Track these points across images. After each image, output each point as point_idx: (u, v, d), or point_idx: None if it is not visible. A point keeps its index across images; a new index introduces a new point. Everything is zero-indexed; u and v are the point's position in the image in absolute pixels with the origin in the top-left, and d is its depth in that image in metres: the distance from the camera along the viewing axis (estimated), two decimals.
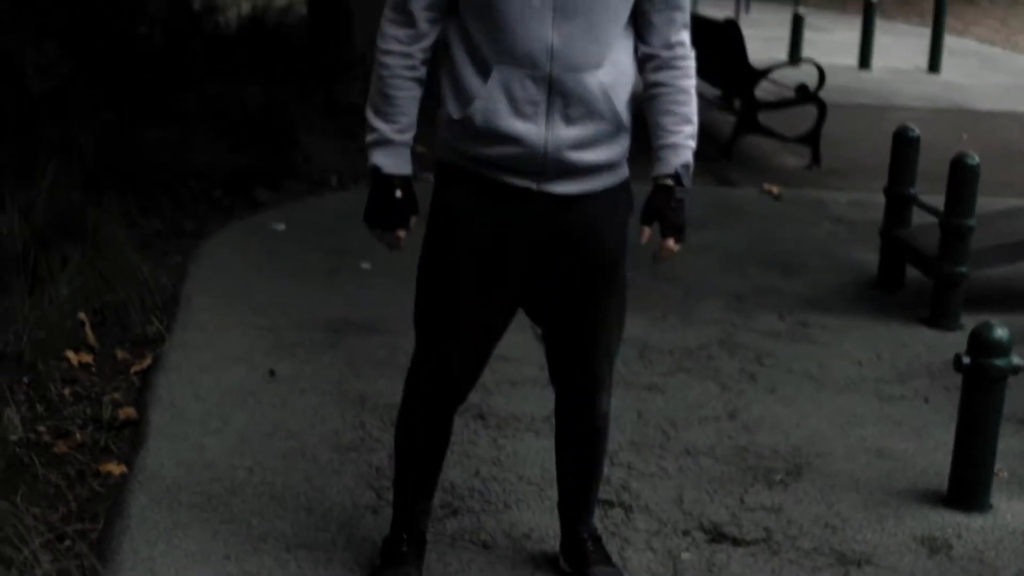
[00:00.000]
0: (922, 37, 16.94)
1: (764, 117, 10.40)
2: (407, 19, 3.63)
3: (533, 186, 3.60)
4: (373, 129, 3.66)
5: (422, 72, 3.67)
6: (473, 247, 3.66)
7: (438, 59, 3.67)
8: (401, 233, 3.71)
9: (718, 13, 16.75)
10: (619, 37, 3.61)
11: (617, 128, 3.64)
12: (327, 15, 10.23)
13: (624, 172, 3.75)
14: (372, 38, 9.25)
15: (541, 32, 3.48)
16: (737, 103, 10.38)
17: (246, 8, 11.54)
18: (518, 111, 3.52)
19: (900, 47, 17.07)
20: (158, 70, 8.89)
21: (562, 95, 3.53)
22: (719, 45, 10.28)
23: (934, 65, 15.30)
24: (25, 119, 7.73)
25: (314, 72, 10.01)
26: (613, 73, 3.60)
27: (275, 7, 11.39)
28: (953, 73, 15.24)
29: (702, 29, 10.75)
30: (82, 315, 5.67)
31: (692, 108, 3.74)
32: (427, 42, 3.64)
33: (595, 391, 3.91)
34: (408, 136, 3.68)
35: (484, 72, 3.53)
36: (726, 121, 10.61)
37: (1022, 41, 18.74)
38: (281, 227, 7.73)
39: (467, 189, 3.65)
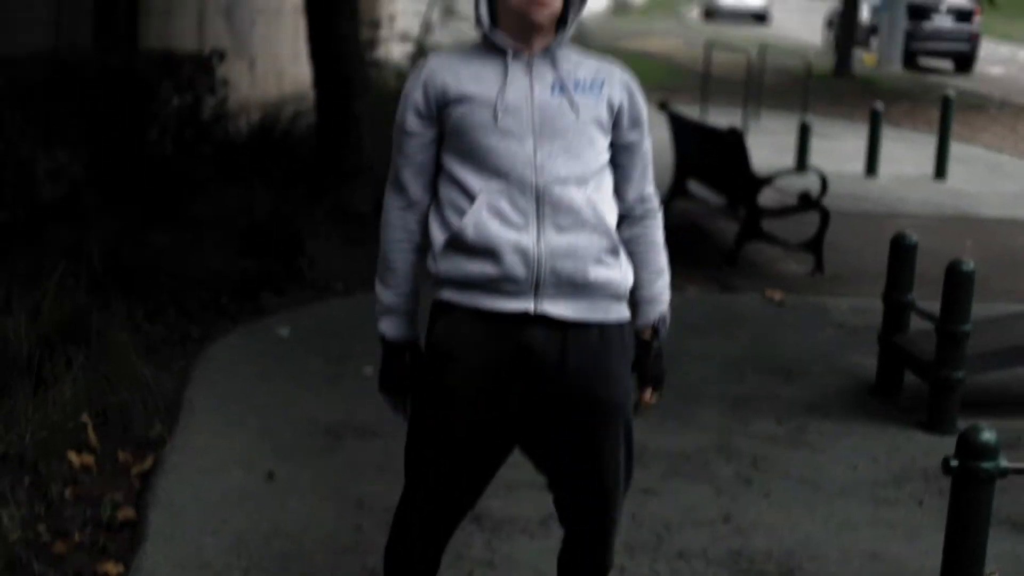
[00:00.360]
0: (929, 145, 17.06)
1: (768, 224, 10.50)
2: (399, 189, 3.73)
3: (530, 308, 3.56)
4: (378, 299, 3.75)
5: (420, 241, 3.75)
6: (467, 389, 3.61)
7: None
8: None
9: (727, 121, 16.94)
10: (600, 166, 3.67)
11: (611, 244, 3.64)
12: (335, 123, 10.37)
13: (625, 312, 3.73)
14: (380, 146, 9.41)
15: (524, 151, 3.55)
16: (741, 211, 10.48)
17: (256, 116, 11.70)
18: (508, 221, 3.53)
19: (907, 154, 17.19)
20: (167, 177, 9.03)
21: (551, 204, 3.55)
22: (723, 153, 10.40)
23: (940, 172, 15.42)
24: (34, 224, 7.85)
25: (322, 179, 10.15)
26: (599, 193, 3.65)
27: (284, 115, 11.55)
28: (960, 180, 15.35)
29: (706, 138, 10.91)
30: (85, 417, 5.74)
31: (665, 259, 3.86)
32: (422, 209, 3.72)
33: (604, 538, 3.88)
34: (411, 303, 3.76)
35: (471, 197, 3.58)
36: (730, 228, 10.71)
37: None
38: (285, 332, 7.82)
39: (460, 325, 3.62)
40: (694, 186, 11.61)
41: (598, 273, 3.62)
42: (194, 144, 9.38)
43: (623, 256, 3.71)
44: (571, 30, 3.66)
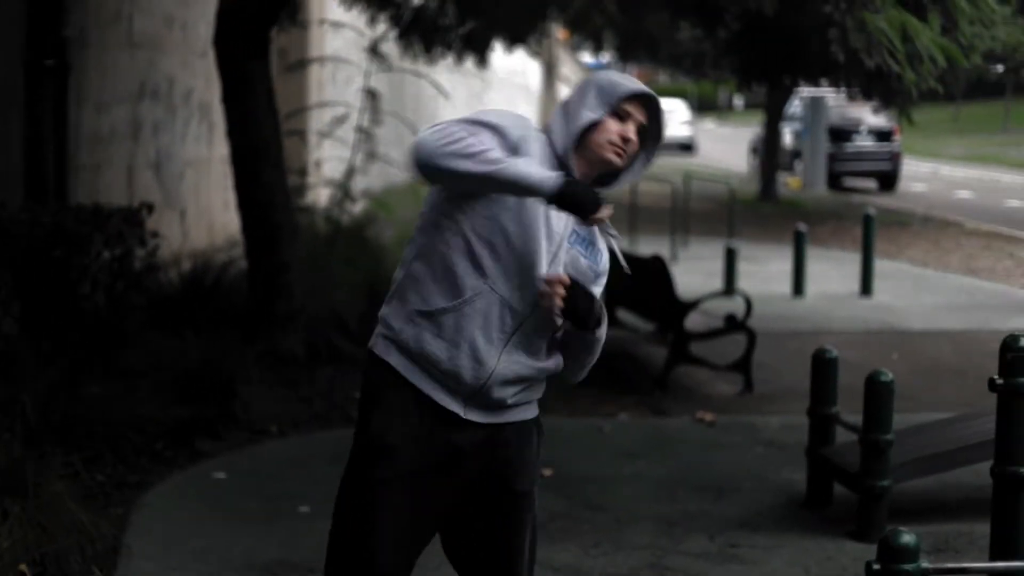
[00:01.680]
0: (855, 262, 17.35)
1: (697, 347, 10.67)
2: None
3: (461, 412, 3.84)
4: (523, 173, 3.70)
5: None
6: (399, 470, 3.82)
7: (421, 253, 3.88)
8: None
9: (656, 250, 17.19)
10: None
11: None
12: (265, 270, 10.50)
13: (536, 410, 4.06)
14: (309, 291, 9.57)
15: (537, 270, 3.81)
16: (669, 336, 10.65)
17: (188, 265, 11.81)
18: (488, 330, 3.81)
19: (834, 273, 17.49)
20: (99, 329, 9.10)
21: (525, 336, 3.86)
22: (648, 281, 10.59)
23: (866, 288, 15.69)
24: None
25: (254, 325, 10.25)
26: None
27: (216, 263, 11.67)
28: (885, 295, 15.63)
29: (632, 266, 11.08)
30: (22, 567, 5.77)
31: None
32: None
33: None
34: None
35: (477, 279, 3.80)
36: (660, 354, 10.88)
37: (953, 262, 19.22)
38: (221, 475, 7.88)
39: (396, 415, 3.84)
40: (623, 314, 11.78)
41: (527, 396, 3.96)
42: (125, 295, 9.45)
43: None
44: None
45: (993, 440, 5.94)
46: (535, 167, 3.71)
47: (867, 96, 9.97)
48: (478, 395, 3.83)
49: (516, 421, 3.95)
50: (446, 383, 3.81)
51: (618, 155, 3.94)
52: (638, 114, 3.96)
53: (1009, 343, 5.72)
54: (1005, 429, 5.83)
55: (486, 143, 3.72)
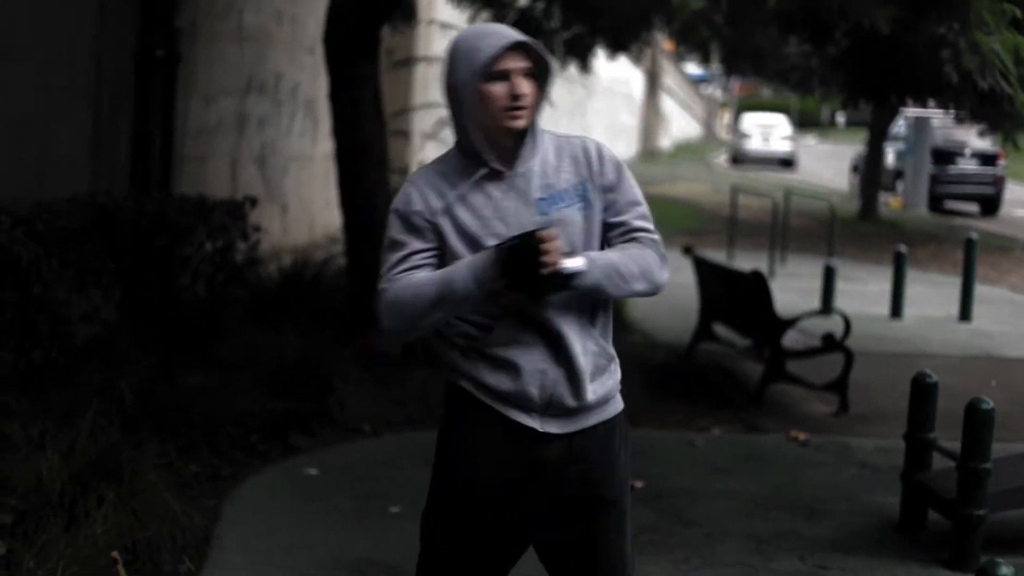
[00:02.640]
0: (955, 286, 17.15)
1: (793, 365, 10.59)
2: None
3: (538, 426, 3.77)
4: (444, 294, 3.66)
5: None
6: (482, 493, 3.78)
7: None
8: None
9: (753, 265, 17.08)
10: None
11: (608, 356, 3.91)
12: (363, 269, 10.54)
13: (620, 401, 3.96)
14: None
15: None
16: (766, 352, 10.57)
17: (287, 260, 11.88)
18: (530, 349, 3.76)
19: (933, 296, 17.29)
20: (199, 320, 9.19)
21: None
22: (747, 296, 10.53)
23: (965, 314, 15.49)
24: (69, 364, 8.00)
25: (351, 323, 10.28)
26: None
27: (315, 260, 11.73)
28: (985, 321, 15.42)
29: (730, 281, 11.05)
30: (114, 553, 5.83)
31: (636, 268, 3.85)
32: None
33: None
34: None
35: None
36: (755, 370, 10.80)
37: None
38: (314, 472, 7.91)
39: (480, 437, 3.79)
40: (720, 329, 11.73)
41: (603, 387, 3.88)
42: (226, 288, 9.54)
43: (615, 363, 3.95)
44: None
45: None
46: (459, 278, 3.64)
47: (976, 118, 9.84)
48: (551, 405, 3.77)
49: (595, 424, 3.84)
50: (517, 402, 3.76)
51: (516, 116, 3.72)
52: (518, 62, 3.72)
53: None
54: None
55: (417, 277, 3.70)
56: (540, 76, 3.79)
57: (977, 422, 6.71)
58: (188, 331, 9.12)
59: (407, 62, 15.77)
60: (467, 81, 3.71)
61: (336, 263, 11.65)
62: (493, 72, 3.70)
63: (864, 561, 6.81)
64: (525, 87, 3.72)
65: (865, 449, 9.15)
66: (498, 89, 3.71)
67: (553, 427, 3.77)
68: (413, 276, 3.69)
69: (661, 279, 3.85)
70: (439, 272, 3.68)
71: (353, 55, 10.66)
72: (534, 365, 3.73)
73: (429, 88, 18.54)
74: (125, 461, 6.48)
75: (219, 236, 9.51)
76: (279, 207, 14.11)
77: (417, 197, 3.75)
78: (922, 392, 7.42)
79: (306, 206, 14.98)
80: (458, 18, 15.54)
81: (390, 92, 14.47)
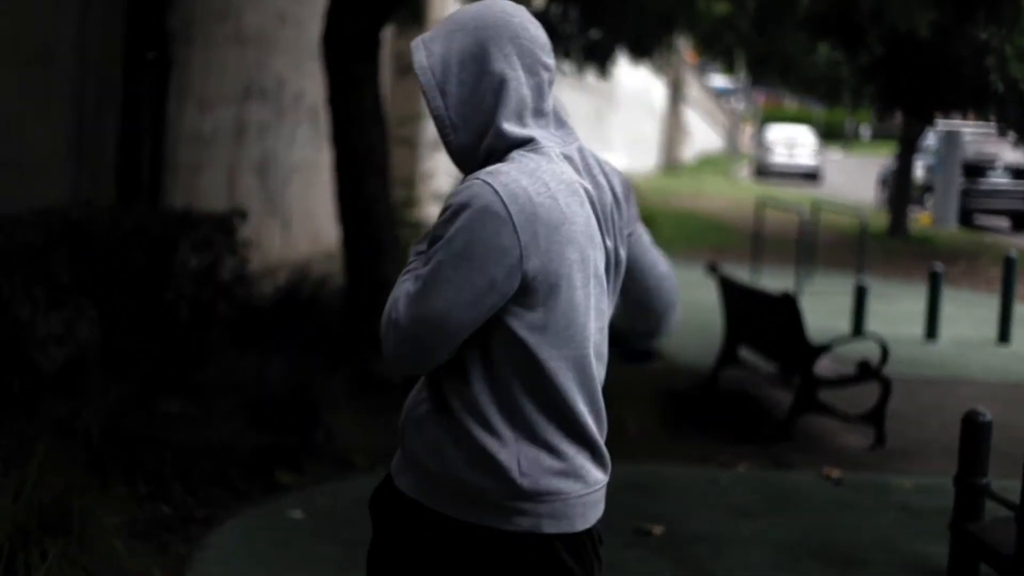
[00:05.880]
0: (989, 306, 16.44)
1: (825, 394, 9.84)
2: None
3: None
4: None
5: None
6: None
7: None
8: None
9: (777, 283, 16.34)
10: None
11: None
12: (363, 287, 9.84)
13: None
14: None
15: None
16: (796, 380, 9.82)
17: (281, 278, 11.16)
18: None
19: (967, 316, 16.52)
20: (181, 342, 8.46)
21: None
22: (776, 320, 9.77)
23: (1004, 336, 14.72)
24: (28, 394, 7.27)
25: (347, 345, 9.56)
26: None
27: (312, 279, 10.99)
28: None
29: (757, 304, 10.27)
30: None
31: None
32: None
33: None
34: None
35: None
36: (783, 398, 10.06)
37: None
38: (298, 515, 7.18)
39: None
40: (746, 353, 10.96)
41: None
42: (212, 307, 8.81)
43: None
44: None
45: None
46: None
47: (1020, 130, 9.16)
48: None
49: None
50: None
51: None
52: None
53: None
54: None
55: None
56: None
57: None
58: (168, 354, 8.39)
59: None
60: (513, 69, 3.05)
61: (335, 280, 10.93)
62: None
63: None
64: None
65: (905, 489, 8.39)
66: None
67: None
68: None
69: None
70: None
71: (352, 56, 9.98)
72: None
73: None
74: (77, 508, 5.75)
75: (204, 251, 8.78)
76: (280, 220, 13.42)
77: None
78: (974, 432, 6.64)
79: (311, 219, 14.28)
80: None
81: (397, 99, 13.76)
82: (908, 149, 28.56)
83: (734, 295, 10.82)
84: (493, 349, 2.96)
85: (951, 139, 29.63)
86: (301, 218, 14.04)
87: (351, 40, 10.00)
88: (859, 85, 14.78)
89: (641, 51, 14.39)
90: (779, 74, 22.66)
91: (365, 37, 10.04)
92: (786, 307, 9.59)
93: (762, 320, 10.26)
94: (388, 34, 14.44)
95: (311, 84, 13.63)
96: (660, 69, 18.55)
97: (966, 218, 30.83)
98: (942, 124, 26.96)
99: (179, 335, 8.54)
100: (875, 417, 9.63)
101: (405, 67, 14.83)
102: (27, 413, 7.14)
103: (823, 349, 9.70)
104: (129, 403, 7.64)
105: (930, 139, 30.95)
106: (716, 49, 18.16)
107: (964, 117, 10.18)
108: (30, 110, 9.29)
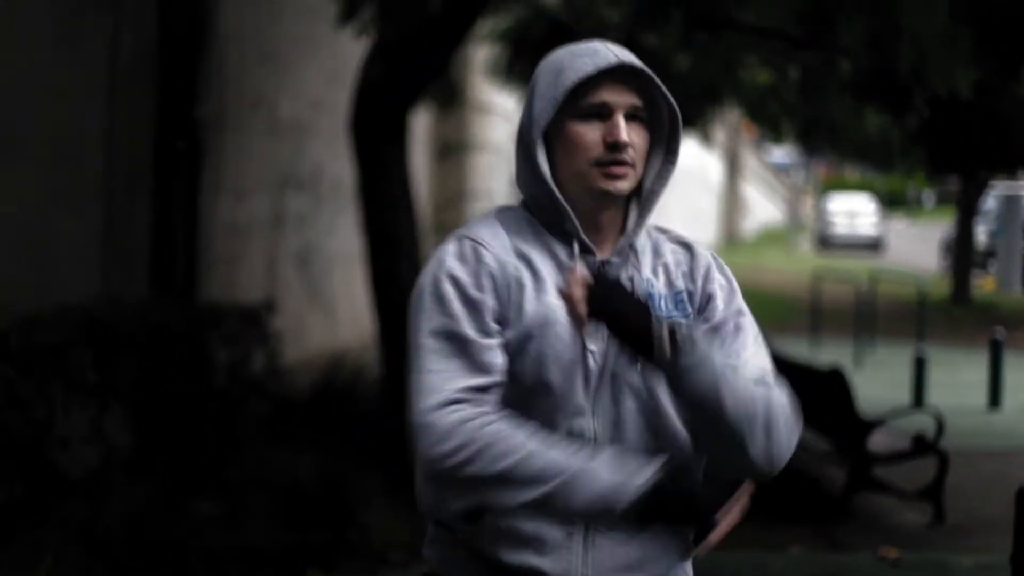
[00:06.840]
0: None
1: (882, 470, 9.49)
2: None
3: None
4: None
5: None
6: None
7: None
8: None
9: (837, 355, 15.99)
10: None
11: None
12: (399, 377, 9.58)
13: None
14: None
15: None
16: (849, 457, 9.48)
17: (317, 369, 10.93)
18: None
19: None
20: (208, 439, 8.24)
21: None
22: (825, 394, 9.44)
23: None
24: (43, 499, 7.04)
25: (384, 437, 9.30)
26: None
27: (349, 368, 10.73)
28: None
29: (805, 378, 9.94)
30: None
31: None
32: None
33: None
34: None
35: None
36: (837, 476, 9.71)
37: None
38: None
39: None
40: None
41: None
42: (242, 402, 8.58)
43: None
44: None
45: None
46: (606, 472, 2.56)
47: None
48: None
49: None
50: None
51: (616, 174, 2.67)
52: (623, 96, 2.67)
53: None
54: None
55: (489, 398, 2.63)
56: (655, 121, 2.76)
57: None
58: (198, 452, 8.16)
59: (447, 149, 14.80)
60: (543, 114, 2.68)
61: (371, 371, 10.67)
62: (584, 106, 2.67)
63: None
64: (629, 134, 2.67)
65: (964, 568, 8.01)
66: (591, 131, 2.67)
67: None
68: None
69: None
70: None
71: (381, 138, 9.76)
72: None
73: (486, 178, 17.59)
74: None
75: (233, 346, 8.57)
76: (323, 309, 13.22)
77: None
78: None
79: (354, 307, 14.06)
80: (505, 98, 14.56)
81: (436, 181, 13.58)
82: (967, 214, 28.16)
83: (782, 370, 10.48)
84: None
85: (1011, 202, 29.23)
86: (345, 307, 13.84)
87: (379, 121, 9.79)
88: (908, 149, 14.47)
89: (685, 122, 14.16)
90: (828, 141, 22.34)
91: (392, 117, 9.83)
92: (835, 382, 9.27)
93: (810, 397, 9.90)
94: (427, 118, 14.27)
95: (350, 172, 13.48)
96: (709, 142, 18.26)
97: None
98: (1001, 187, 26.55)
99: (209, 432, 8.33)
100: (933, 493, 9.28)
101: (446, 149, 14.66)
102: (45, 517, 6.91)
103: (876, 424, 9.36)
104: (156, 504, 7.41)
105: (990, 203, 30.53)
106: (763, 118, 17.93)
107: (1013, 178, 9.89)
108: (61, 206, 9.13)
